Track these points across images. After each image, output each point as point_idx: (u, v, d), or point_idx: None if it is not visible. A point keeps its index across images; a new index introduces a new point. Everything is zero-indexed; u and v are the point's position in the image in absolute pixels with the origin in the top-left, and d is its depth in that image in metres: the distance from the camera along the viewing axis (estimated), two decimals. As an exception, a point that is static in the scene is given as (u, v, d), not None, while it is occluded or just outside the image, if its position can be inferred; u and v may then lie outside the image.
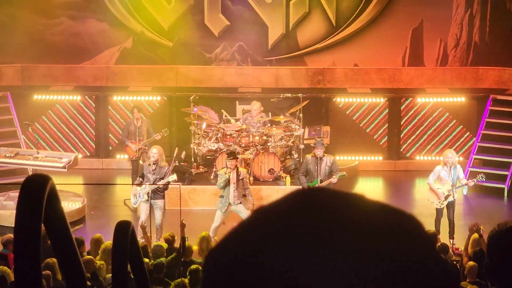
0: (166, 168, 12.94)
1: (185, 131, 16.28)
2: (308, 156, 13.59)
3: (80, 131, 17.66)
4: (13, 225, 1.61)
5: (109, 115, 17.63)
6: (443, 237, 12.39)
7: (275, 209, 1.11)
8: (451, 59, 17.97)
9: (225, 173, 12.77)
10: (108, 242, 10.17)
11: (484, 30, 17.79)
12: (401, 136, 17.67)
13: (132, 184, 13.95)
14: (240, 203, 12.77)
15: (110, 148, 17.74)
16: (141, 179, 12.96)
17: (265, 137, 15.36)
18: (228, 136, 15.39)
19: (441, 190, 12.90)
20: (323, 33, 17.91)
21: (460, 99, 17.49)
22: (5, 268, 9.49)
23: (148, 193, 12.77)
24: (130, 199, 13.46)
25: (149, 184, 12.73)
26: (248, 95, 17.10)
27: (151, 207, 12.81)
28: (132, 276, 3.06)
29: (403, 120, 17.64)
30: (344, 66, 17.95)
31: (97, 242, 10.76)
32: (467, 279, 9.47)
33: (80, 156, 15.89)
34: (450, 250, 11.45)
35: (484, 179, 13.46)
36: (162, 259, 9.92)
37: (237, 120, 16.16)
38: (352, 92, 17.62)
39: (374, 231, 1.07)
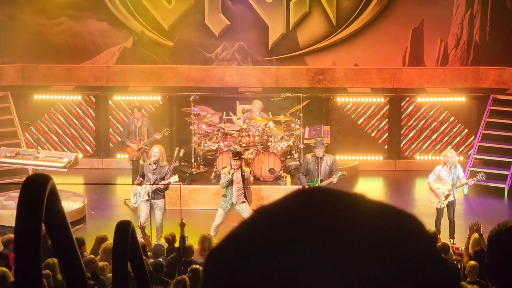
0: (167, 168, 12.94)
1: (185, 131, 16.28)
2: (309, 156, 13.59)
3: (80, 131, 17.65)
4: (13, 225, 1.61)
5: (110, 115, 17.62)
6: (444, 237, 12.39)
7: (276, 209, 1.11)
8: (452, 58, 17.96)
9: (229, 172, 12.77)
10: (108, 241, 10.17)
11: (484, 30, 17.79)
12: (401, 135, 17.67)
13: (133, 183, 13.95)
14: (243, 202, 12.77)
15: (112, 146, 17.74)
16: (141, 178, 12.96)
17: (265, 137, 15.36)
18: (228, 136, 15.39)
19: (441, 190, 12.90)
20: (323, 32, 17.90)
21: (461, 99, 17.49)
22: (5, 269, 9.47)
23: (148, 193, 12.78)
24: (130, 198, 13.46)
25: (150, 184, 12.73)
26: (249, 95, 17.10)
27: (151, 207, 12.81)
28: (133, 276, 3.07)
29: (404, 120, 17.64)
30: (344, 66, 17.94)
31: (102, 241, 10.72)
32: (468, 278, 9.47)
33: (80, 156, 15.90)
34: (451, 250, 11.45)
35: (484, 178, 13.45)
36: (162, 259, 9.92)
37: (238, 118, 16.16)
38: (353, 92, 17.61)
39: (375, 231, 1.07)
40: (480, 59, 17.85)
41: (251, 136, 15.28)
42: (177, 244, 10.96)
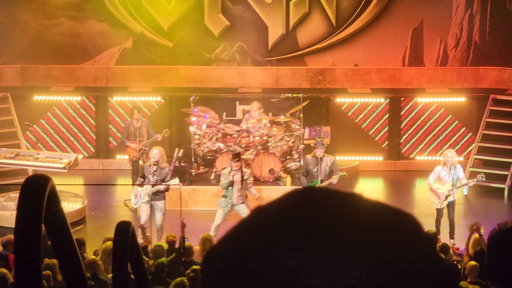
0: (167, 169, 12.93)
1: (185, 131, 16.28)
2: (309, 156, 13.59)
3: (80, 132, 17.65)
4: (13, 226, 1.61)
5: (109, 116, 17.62)
6: (444, 237, 12.39)
7: (274, 209, 1.11)
8: (451, 59, 17.97)
9: (229, 173, 12.77)
10: (108, 242, 10.17)
11: (484, 30, 17.79)
12: (401, 136, 17.67)
13: (133, 184, 13.95)
14: (243, 203, 12.78)
15: (112, 147, 17.74)
16: (142, 179, 12.96)
17: (265, 138, 15.36)
18: (228, 137, 15.39)
19: (441, 190, 12.89)
20: (323, 33, 17.91)
21: (460, 99, 17.49)
22: (5, 270, 9.47)
23: (148, 194, 12.77)
24: (130, 199, 13.46)
25: (151, 185, 12.72)
26: (248, 96, 17.10)
27: (151, 208, 12.81)
28: (133, 276, 3.07)
29: (403, 120, 17.64)
30: (344, 66, 17.95)
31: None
32: (468, 279, 9.47)
33: (80, 156, 15.89)
34: (451, 250, 11.45)
35: (484, 179, 13.45)
36: (163, 259, 9.92)
37: (236, 121, 16.14)
38: (352, 92, 17.62)
39: (374, 230, 1.07)
40: (480, 59, 17.86)
41: (251, 136, 15.28)
42: (177, 245, 10.96)
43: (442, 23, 17.78)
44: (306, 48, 17.98)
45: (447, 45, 17.92)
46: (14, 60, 17.83)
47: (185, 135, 16.35)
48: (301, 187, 1.17)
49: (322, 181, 13.24)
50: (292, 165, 15.42)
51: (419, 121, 17.61)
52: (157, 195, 12.80)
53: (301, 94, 16.00)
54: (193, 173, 15.54)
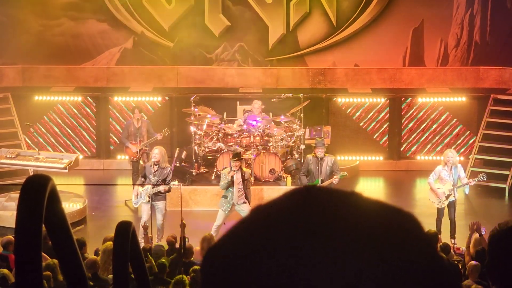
0: (168, 168, 12.92)
1: (186, 131, 16.28)
2: (309, 156, 13.59)
3: (81, 132, 17.65)
4: (14, 226, 1.61)
5: (110, 116, 17.62)
6: (444, 237, 12.38)
7: (274, 208, 1.11)
8: (452, 59, 17.97)
9: (228, 173, 12.77)
10: (108, 242, 10.17)
11: (484, 30, 17.79)
12: (402, 136, 17.67)
13: (133, 184, 13.94)
14: (244, 203, 12.77)
15: (112, 147, 17.73)
16: (143, 179, 12.95)
17: (266, 137, 15.35)
18: (229, 136, 15.39)
19: (442, 190, 12.89)
20: (323, 33, 17.91)
21: (461, 99, 17.49)
22: (6, 270, 9.47)
23: (149, 194, 12.77)
24: (131, 199, 13.46)
25: (151, 185, 12.72)
26: (249, 96, 17.10)
27: (152, 208, 12.81)
28: (133, 277, 3.07)
29: (404, 120, 17.64)
30: (344, 66, 17.94)
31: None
32: (469, 278, 9.46)
33: (81, 157, 15.89)
34: (452, 250, 11.44)
35: (485, 179, 13.44)
36: (164, 259, 9.92)
37: (236, 120, 16.14)
38: (353, 92, 17.62)
39: (374, 230, 1.06)
40: (481, 59, 17.86)
41: (252, 136, 15.28)
42: (177, 245, 10.96)
43: (443, 23, 17.78)
44: (306, 48, 17.98)
45: (448, 45, 17.92)
46: (14, 61, 17.84)
47: (186, 135, 16.35)
48: (301, 186, 1.17)
49: (323, 181, 13.23)
50: (292, 165, 15.42)
51: (420, 121, 17.61)
52: (157, 195, 12.80)
53: (302, 94, 16.00)
54: (193, 173, 15.54)
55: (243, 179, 12.79)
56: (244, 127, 15.52)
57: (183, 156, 15.69)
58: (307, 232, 1.05)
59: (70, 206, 14.32)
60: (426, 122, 17.61)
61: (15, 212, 1.64)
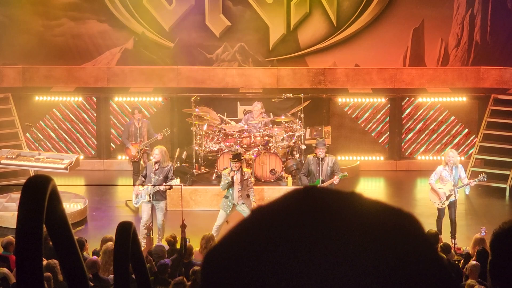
0: (169, 165, 12.90)
1: (186, 131, 16.28)
2: (310, 157, 13.59)
3: (81, 132, 17.65)
4: (15, 227, 1.61)
5: (110, 116, 17.62)
6: (445, 237, 12.38)
7: (274, 208, 1.11)
8: (452, 59, 17.96)
9: (228, 174, 12.77)
10: (109, 243, 10.17)
11: (485, 30, 17.79)
12: (402, 136, 17.67)
13: (134, 184, 13.94)
14: (244, 203, 12.76)
15: (113, 147, 17.73)
16: (143, 178, 12.94)
17: (266, 138, 15.35)
18: (229, 137, 15.39)
19: (443, 190, 12.88)
20: (324, 33, 17.91)
21: (461, 99, 17.49)
22: (7, 270, 9.47)
23: (149, 194, 12.77)
24: (131, 200, 13.45)
25: (152, 185, 12.71)
26: (249, 96, 17.11)
27: (152, 208, 12.80)
28: (134, 277, 3.07)
29: (404, 120, 17.63)
30: (345, 66, 17.94)
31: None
32: (469, 278, 9.46)
33: (81, 157, 15.90)
34: (452, 250, 11.44)
35: (485, 179, 13.43)
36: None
37: (237, 121, 16.13)
38: (353, 92, 17.61)
39: (375, 230, 1.06)
40: (481, 59, 17.85)
41: (252, 136, 15.27)
42: (178, 245, 10.95)
43: (443, 23, 17.77)
44: (307, 48, 17.98)
45: (448, 45, 17.92)
46: (15, 61, 17.84)
47: (187, 136, 16.35)
48: (301, 187, 1.17)
49: (323, 181, 13.23)
50: (293, 165, 15.41)
51: (420, 121, 17.61)
52: (158, 195, 12.79)
53: (302, 94, 15.99)
54: (194, 173, 15.54)
55: (243, 180, 12.78)
56: (245, 127, 15.52)
57: (183, 157, 15.68)
58: (307, 233, 1.05)
59: (70, 207, 14.32)
60: (426, 122, 17.60)
61: (16, 213, 1.64)
